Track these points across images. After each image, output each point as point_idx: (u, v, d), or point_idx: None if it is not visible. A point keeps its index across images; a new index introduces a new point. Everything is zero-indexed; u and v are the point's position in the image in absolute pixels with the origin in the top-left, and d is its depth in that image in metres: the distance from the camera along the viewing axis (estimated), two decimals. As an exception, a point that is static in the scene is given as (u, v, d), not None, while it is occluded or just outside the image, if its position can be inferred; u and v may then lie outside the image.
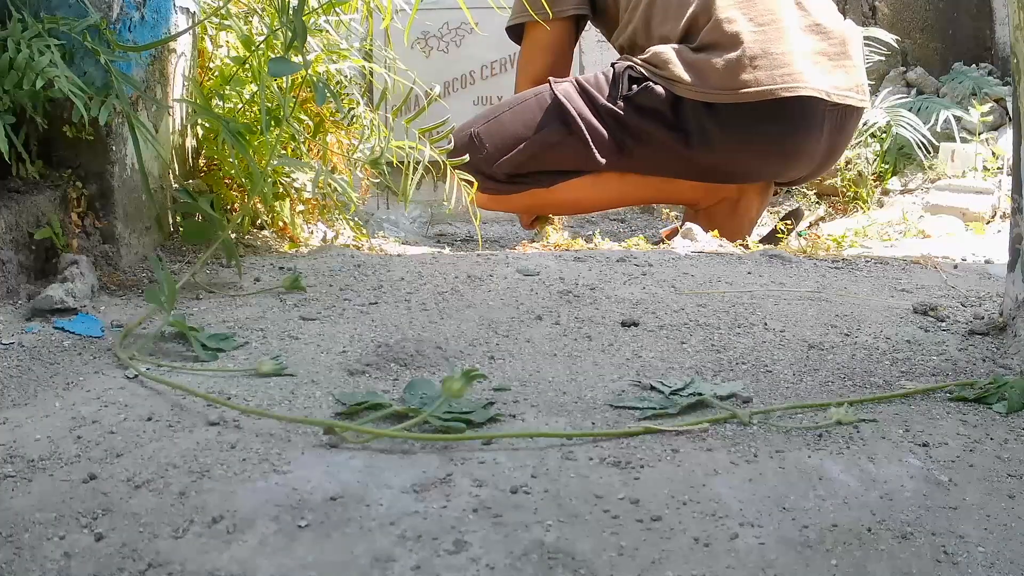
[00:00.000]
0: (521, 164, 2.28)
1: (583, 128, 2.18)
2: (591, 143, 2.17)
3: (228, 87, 1.81)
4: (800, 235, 2.56)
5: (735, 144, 2.19)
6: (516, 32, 2.53)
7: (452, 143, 1.93)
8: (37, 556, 0.77)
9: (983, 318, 1.43)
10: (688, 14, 2.14)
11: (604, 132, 2.17)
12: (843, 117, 2.24)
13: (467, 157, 1.94)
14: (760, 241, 2.20)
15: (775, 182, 2.47)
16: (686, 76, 2.08)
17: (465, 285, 1.59)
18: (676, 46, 2.14)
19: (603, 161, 2.19)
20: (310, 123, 1.96)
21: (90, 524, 0.81)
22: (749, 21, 2.11)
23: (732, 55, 2.08)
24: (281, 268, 1.68)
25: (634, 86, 2.16)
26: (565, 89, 2.22)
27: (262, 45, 1.73)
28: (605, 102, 2.18)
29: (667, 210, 3.27)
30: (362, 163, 2.05)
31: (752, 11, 2.12)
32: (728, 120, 2.13)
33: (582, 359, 1.25)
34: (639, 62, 2.18)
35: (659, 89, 2.12)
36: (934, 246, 2.31)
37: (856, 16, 3.63)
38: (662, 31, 2.19)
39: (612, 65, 2.26)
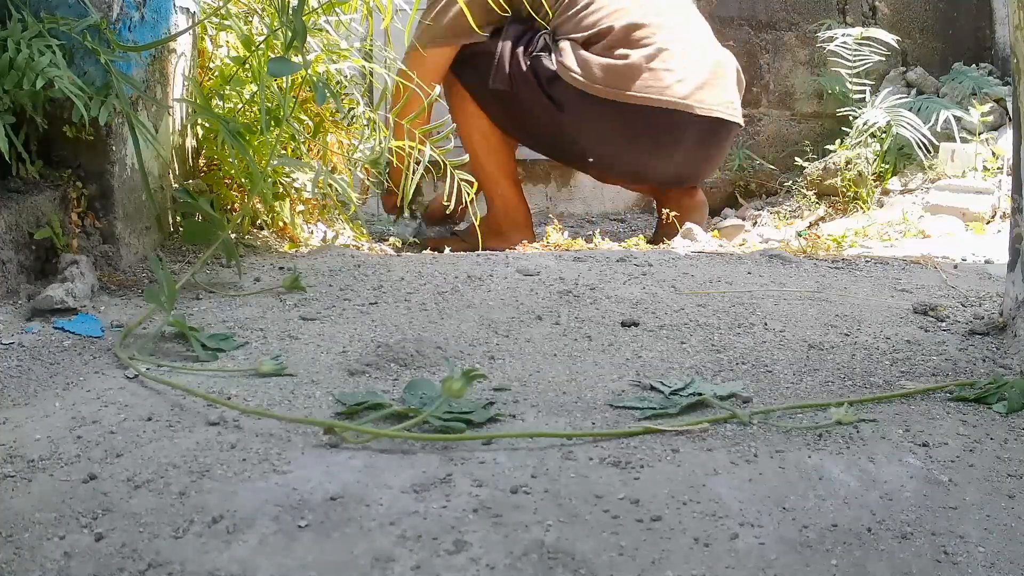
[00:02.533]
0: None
1: (501, 53, 2.54)
2: (494, 67, 2.53)
3: (228, 87, 1.81)
4: (800, 235, 2.56)
5: (600, 130, 2.51)
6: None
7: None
8: (37, 556, 0.77)
9: (983, 318, 1.43)
10: (599, 25, 2.50)
11: (507, 67, 2.53)
12: (712, 128, 2.54)
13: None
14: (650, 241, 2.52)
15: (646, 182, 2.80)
16: (574, 66, 2.43)
17: (465, 285, 1.59)
18: (576, 44, 2.49)
19: (494, 85, 2.53)
20: (310, 123, 1.96)
21: (90, 524, 0.81)
22: (641, 45, 2.47)
23: (619, 62, 2.43)
24: (281, 268, 1.68)
25: (539, 54, 2.54)
26: (517, 30, 2.58)
27: (262, 45, 1.72)
28: (520, 54, 2.55)
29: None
30: (362, 163, 2.05)
31: (645, 35, 2.49)
32: (597, 108, 2.45)
33: (582, 359, 1.25)
34: (551, 41, 2.55)
35: (547, 64, 2.49)
36: (934, 246, 2.31)
37: (856, 16, 3.63)
38: (576, 27, 2.53)
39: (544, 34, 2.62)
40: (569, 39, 2.50)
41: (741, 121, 2.64)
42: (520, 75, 2.51)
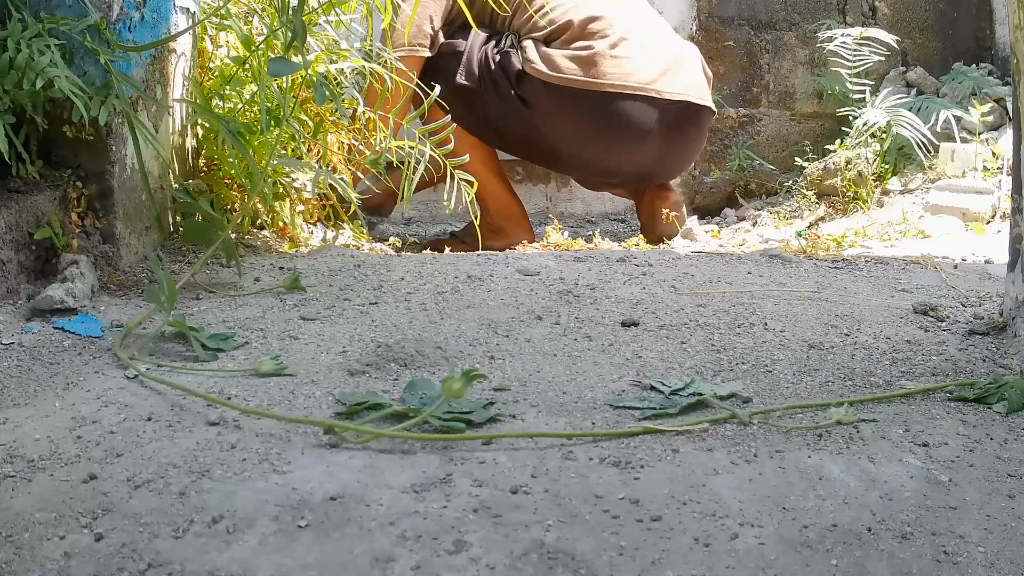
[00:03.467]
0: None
1: (469, 50, 2.56)
2: (462, 63, 2.56)
3: (228, 87, 1.81)
4: (800, 235, 2.56)
5: (569, 124, 2.51)
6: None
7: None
8: (37, 556, 0.77)
9: (983, 318, 1.43)
10: (558, 21, 2.53)
11: (476, 65, 2.55)
12: (682, 113, 2.54)
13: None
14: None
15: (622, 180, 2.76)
16: (538, 60, 2.47)
17: (465, 285, 1.59)
18: (539, 41, 2.53)
19: (461, 81, 2.55)
20: (310, 123, 1.96)
21: (90, 524, 0.81)
22: (600, 36, 2.50)
23: (582, 52, 2.46)
24: (281, 268, 1.68)
25: (508, 50, 2.57)
26: (483, 33, 2.61)
27: (262, 45, 1.72)
28: (491, 49, 2.58)
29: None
30: (362, 163, 2.05)
31: (602, 26, 2.51)
32: (564, 99, 2.46)
33: (582, 359, 1.25)
34: (515, 41, 2.58)
35: (515, 60, 2.52)
36: (934, 246, 2.31)
37: (856, 16, 3.63)
38: (536, 26, 2.57)
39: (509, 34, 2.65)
40: (531, 38, 2.54)
41: (712, 105, 2.63)
42: (488, 73, 2.53)
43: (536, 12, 2.54)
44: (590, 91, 2.45)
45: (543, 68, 2.46)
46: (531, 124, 2.53)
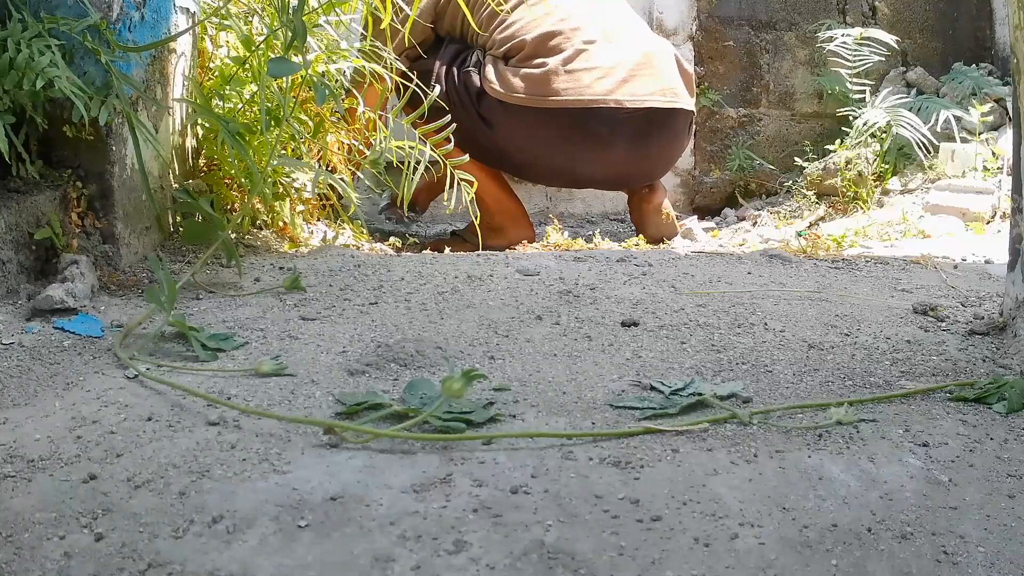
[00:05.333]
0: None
1: (440, 72, 2.56)
2: (431, 83, 2.55)
3: (228, 87, 1.81)
4: (800, 235, 2.56)
5: (530, 140, 2.50)
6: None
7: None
8: (37, 556, 0.77)
9: (983, 318, 1.43)
10: (513, 40, 2.52)
11: (443, 83, 2.52)
12: (649, 120, 2.49)
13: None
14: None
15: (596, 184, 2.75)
16: (494, 79, 2.48)
17: (465, 285, 1.59)
18: (497, 59, 2.52)
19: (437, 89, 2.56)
20: (310, 123, 1.96)
21: (90, 524, 0.81)
22: (556, 52, 2.47)
23: (535, 71, 2.44)
24: (281, 268, 1.68)
25: (470, 69, 2.57)
26: (454, 49, 2.62)
27: (262, 45, 1.72)
28: (456, 71, 2.58)
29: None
30: (363, 163, 2.05)
31: (558, 41, 2.48)
32: (522, 119, 2.46)
33: (582, 359, 1.25)
34: (482, 58, 2.58)
35: (475, 79, 2.52)
36: (934, 246, 2.31)
37: (856, 16, 3.63)
38: (496, 43, 2.56)
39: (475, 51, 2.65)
40: (490, 55, 2.54)
41: (686, 106, 2.57)
42: (454, 91, 2.52)
43: (494, 30, 2.53)
44: (544, 108, 2.43)
45: (498, 88, 2.46)
46: (494, 141, 2.52)
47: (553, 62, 2.44)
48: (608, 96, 2.44)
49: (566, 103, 2.42)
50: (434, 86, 1.97)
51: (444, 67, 2.56)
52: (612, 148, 2.49)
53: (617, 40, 2.54)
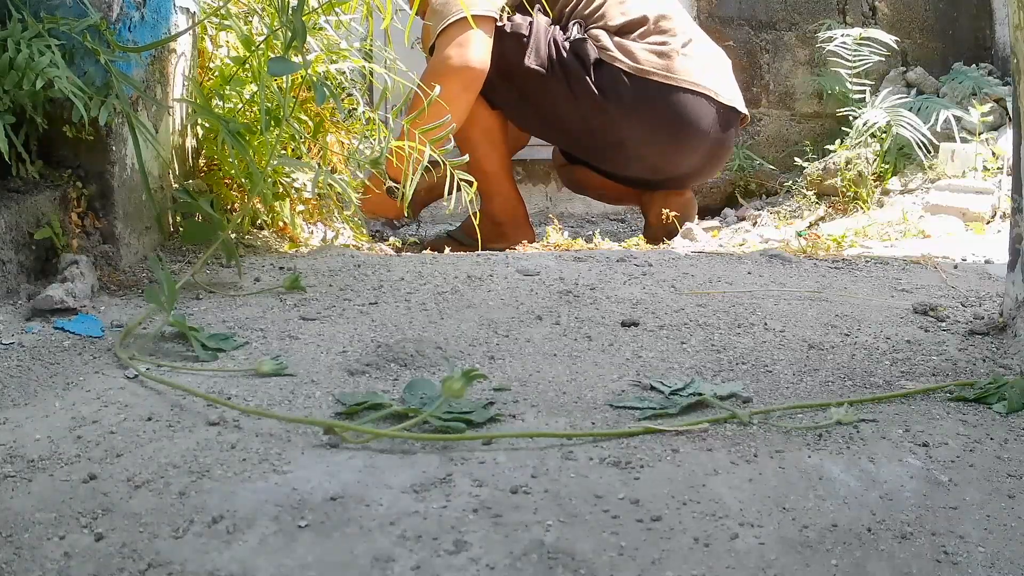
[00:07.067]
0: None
1: (535, 34, 2.53)
2: (530, 48, 2.53)
3: (228, 87, 1.81)
4: (800, 235, 2.56)
5: (636, 112, 2.52)
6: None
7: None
8: (37, 556, 0.77)
9: (983, 318, 1.43)
10: (630, 15, 2.56)
11: (544, 49, 2.52)
12: (728, 119, 2.58)
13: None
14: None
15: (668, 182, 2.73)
16: (616, 51, 2.49)
17: (465, 285, 1.59)
18: (610, 33, 2.53)
19: (531, 65, 2.51)
20: (310, 123, 1.96)
21: (90, 524, 0.81)
22: (672, 34, 2.54)
23: (660, 47, 2.50)
24: (281, 268, 1.68)
25: (583, 37, 2.55)
26: (543, 18, 2.58)
27: (262, 45, 1.72)
28: (559, 36, 2.55)
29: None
30: (362, 163, 2.05)
31: (672, 25, 2.56)
32: (642, 91, 2.48)
33: (582, 359, 1.25)
34: (585, 31, 2.56)
35: (589, 48, 2.50)
36: (934, 246, 2.31)
37: (856, 16, 3.64)
38: (607, 16, 2.58)
39: (563, 24, 2.62)
40: (601, 28, 2.53)
41: (747, 113, 2.68)
42: (559, 59, 2.50)
43: (604, 4, 2.55)
44: (667, 85, 2.47)
45: (623, 59, 2.46)
46: (604, 113, 2.50)
47: (674, 43, 2.49)
48: (711, 87, 2.51)
49: (687, 83, 2.48)
50: (434, 85, 1.96)
51: (542, 34, 2.51)
52: (705, 137, 2.55)
53: (704, 40, 2.63)
